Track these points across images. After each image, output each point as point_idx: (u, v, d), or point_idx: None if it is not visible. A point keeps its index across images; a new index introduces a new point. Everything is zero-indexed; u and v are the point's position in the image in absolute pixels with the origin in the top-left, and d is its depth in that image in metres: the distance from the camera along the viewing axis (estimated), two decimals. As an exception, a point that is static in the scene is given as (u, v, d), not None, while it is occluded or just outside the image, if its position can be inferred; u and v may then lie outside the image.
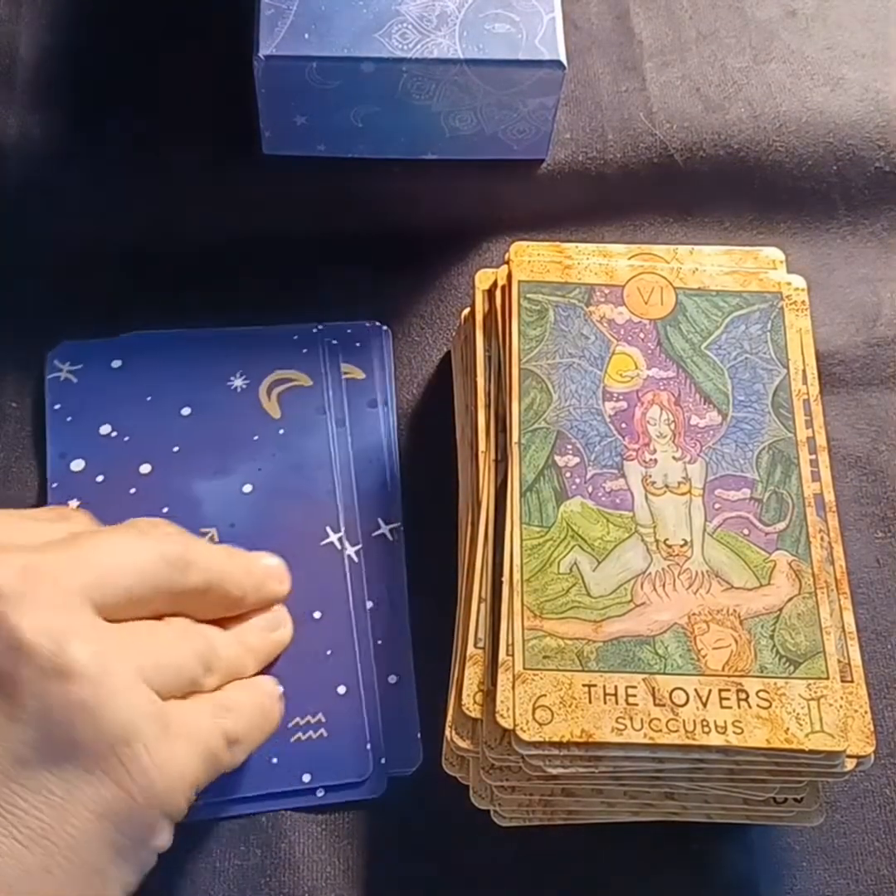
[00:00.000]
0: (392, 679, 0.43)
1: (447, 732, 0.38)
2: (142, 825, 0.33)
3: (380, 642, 0.43)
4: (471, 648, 0.38)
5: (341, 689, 0.42)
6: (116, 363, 0.47)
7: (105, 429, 0.45)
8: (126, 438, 0.45)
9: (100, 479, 0.45)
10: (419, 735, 0.42)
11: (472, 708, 0.37)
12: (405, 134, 0.49)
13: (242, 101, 0.49)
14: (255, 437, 0.46)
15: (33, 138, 0.50)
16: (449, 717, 0.38)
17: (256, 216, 0.50)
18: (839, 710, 0.36)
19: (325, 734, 0.41)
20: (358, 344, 0.48)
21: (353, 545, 0.44)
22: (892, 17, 0.56)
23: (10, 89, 0.51)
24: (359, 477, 0.46)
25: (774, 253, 0.45)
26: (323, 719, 0.41)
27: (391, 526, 0.45)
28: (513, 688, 0.36)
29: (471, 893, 0.40)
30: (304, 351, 0.47)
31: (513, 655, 0.37)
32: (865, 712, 0.37)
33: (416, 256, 0.50)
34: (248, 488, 0.45)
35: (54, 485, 0.45)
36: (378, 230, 0.50)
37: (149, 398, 0.46)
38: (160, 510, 0.44)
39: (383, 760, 0.41)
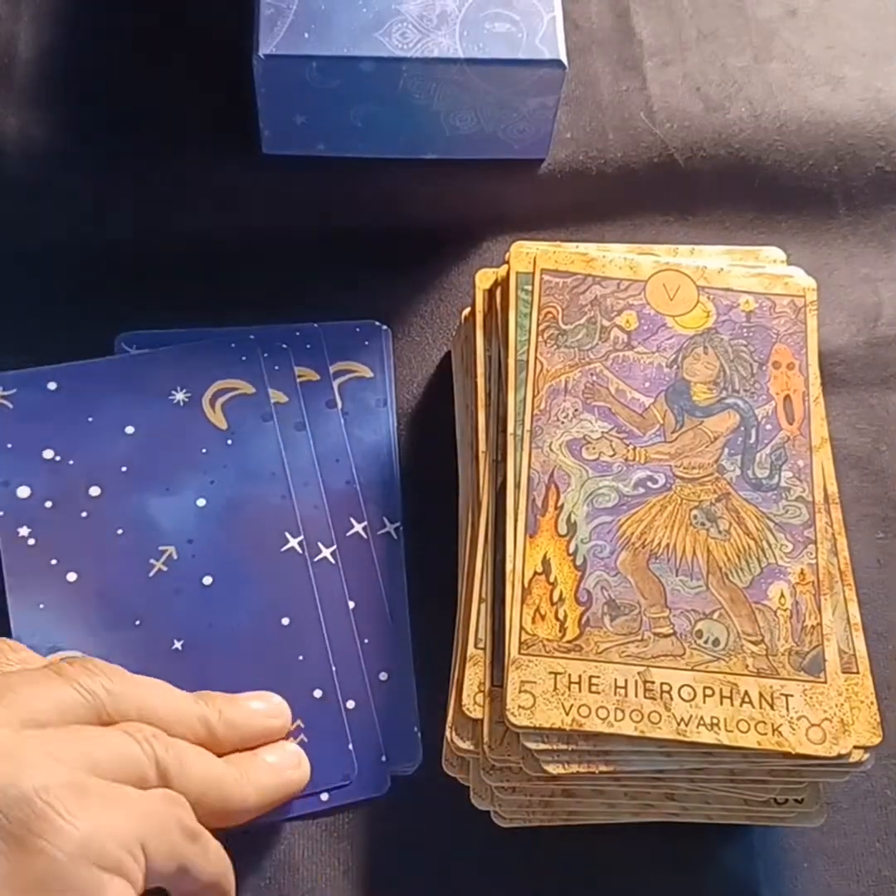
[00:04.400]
0: (383, 676, 0.43)
1: (447, 733, 0.38)
2: (78, 881, 0.31)
3: (367, 641, 0.43)
4: (471, 649, 0.38)
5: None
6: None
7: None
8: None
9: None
10: (418, 732, 0.42)
11: (473, 708, 0.37)
12: (405, 133, 0.49)
13: (242, 101, 0.49)
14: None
15: (32, 137, 0.50)
16: (449, 718, 0.38)
17: (256, 215, 0.50)
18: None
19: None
20: (359, 343, 0.48)
21: (327, 547, 0.44)
22: (892, 16, 0.56)
23: (9, 88, 0.51)
24: (360, 473, 0.46)
25: (775, 252, 0.45)
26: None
27: (394, 524, 0.45)
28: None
29: (471, 894, 0.40)
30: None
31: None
32: (872, 703, 0.37)
33: (416, 256, 0.50)
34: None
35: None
36: (378, 230, 0.50)
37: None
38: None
39: (384, 758, 0.41)
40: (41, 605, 0.42)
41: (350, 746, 0.41)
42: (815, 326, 0.43)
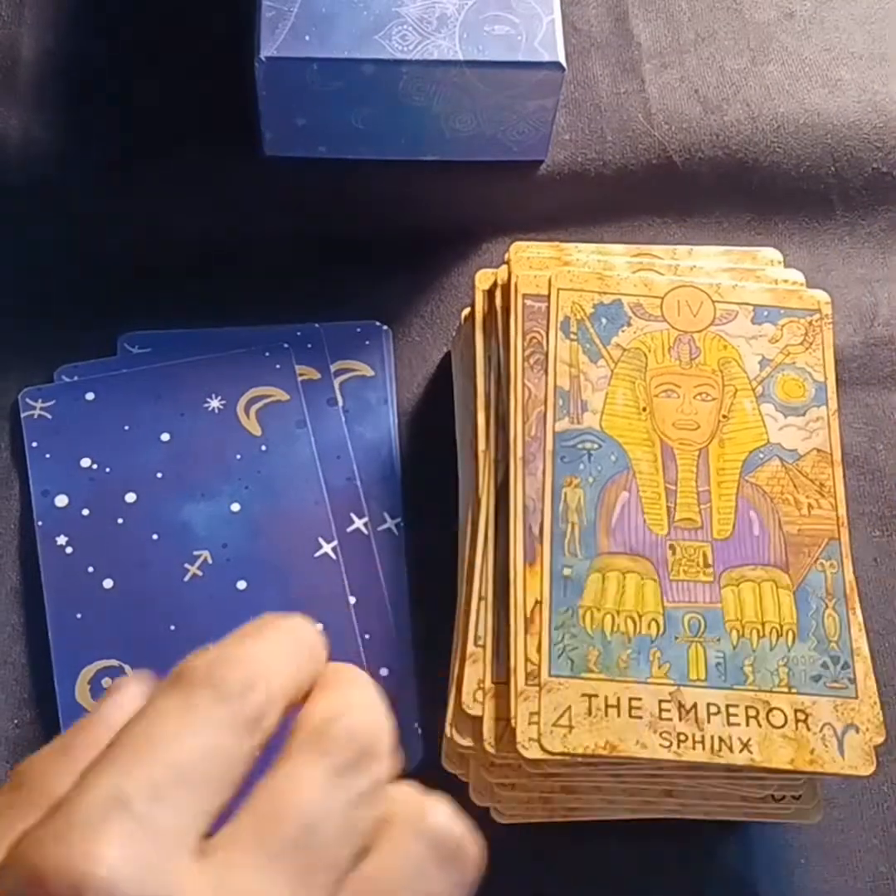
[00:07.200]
0: (383, 672, 0.43)
1: (447, 730, 0.38)
2: None
3: (367, 637, 0.43)
4: (471, 647, 0.38)
5: None
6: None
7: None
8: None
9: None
10: (419, 728, 0.42)
11: (472, 706, 0.37)
12: (405, 135, 0.50)
13: (243, 103, 0.49)
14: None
15: (35, 138, 0.50)
16: (449, 715, 0.38)
17: (257, 217, 0.50)
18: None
19: None
20: (359, 343, 0.48)
21: (328, 542, 0.44)
22: (889, 19, 0.56)
23: (12, 90, 0.51)
24: (361, 470, 0.46)
25: (772, 253, 0.45)
26: None
27: (395, 520, 0.45)
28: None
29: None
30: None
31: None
32: (875, 703, 0.37)
33: (416, 256, 0.51)
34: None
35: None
36: (378, 231, 0.51)
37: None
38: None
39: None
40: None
41: None
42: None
